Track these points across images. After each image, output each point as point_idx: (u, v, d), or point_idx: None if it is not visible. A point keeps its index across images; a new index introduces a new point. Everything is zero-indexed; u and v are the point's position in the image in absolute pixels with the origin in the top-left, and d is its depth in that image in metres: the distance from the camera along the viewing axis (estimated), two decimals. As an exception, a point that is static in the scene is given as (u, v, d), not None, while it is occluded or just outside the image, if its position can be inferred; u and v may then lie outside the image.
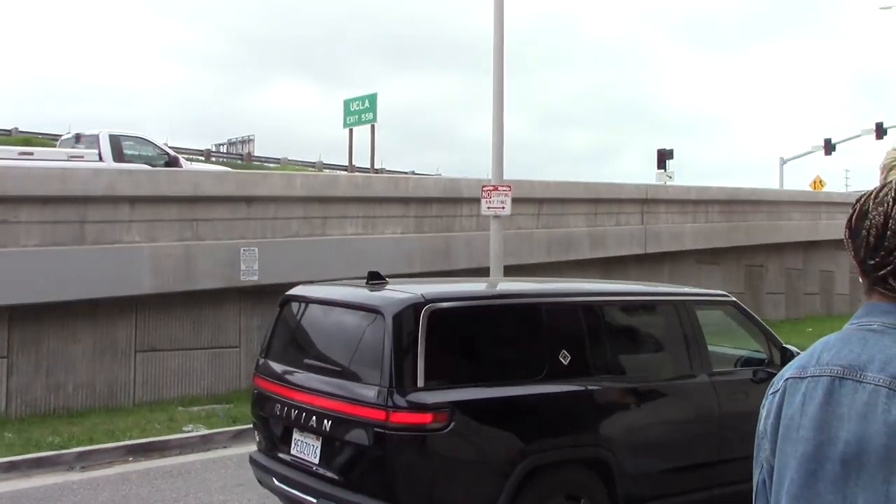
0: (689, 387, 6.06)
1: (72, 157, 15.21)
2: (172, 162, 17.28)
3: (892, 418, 1.44)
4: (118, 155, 16.29)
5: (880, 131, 35.21)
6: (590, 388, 5.43)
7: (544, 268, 16.64)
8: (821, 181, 38.78)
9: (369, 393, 4.84)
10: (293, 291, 6.09)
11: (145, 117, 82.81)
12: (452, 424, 4.77)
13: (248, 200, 12.60)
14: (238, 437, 9.87)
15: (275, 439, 5.66)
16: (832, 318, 26.92)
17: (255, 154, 41.69)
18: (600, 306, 5.92)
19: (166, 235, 11.77)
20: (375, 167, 32.44)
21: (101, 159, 15.90)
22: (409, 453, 4.76)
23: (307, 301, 5.87)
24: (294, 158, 42.96)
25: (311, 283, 6.68)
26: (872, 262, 1.58)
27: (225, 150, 42.80)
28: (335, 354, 5.45)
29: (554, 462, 5.17)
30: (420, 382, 4.82)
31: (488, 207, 13.70)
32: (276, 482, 5.46)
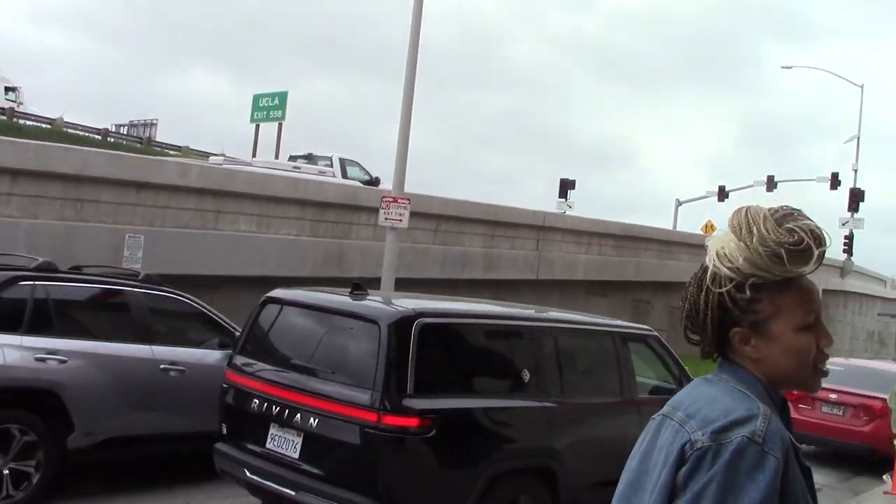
0: (621, 408, 6.74)
1: (320, 172, 19.78)
2: (374, 182, 21.14)
3: (662, 442, 1.72)
4: (343, 172, 21.37)
5: (771, 184, 36.83)
6: (545, 404, 5.99)
7: (437, 284, 16.68)
8: (712, 226, 40.12)
9: (362, 396, 5.19)
10: (275, 294, 6.34)
11: (39, 85, 78.91)
12: (435, 430, 5.21)
13: (139, 186, 12.21)
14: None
15: (247, 433, 5.85)
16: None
17: (158, 139, 40.53)
18: (559, 332, 6.54)
19: (47, 213, 11.28)
20: None
21: (335, 175, 20.60)
22: (396, 454, 5.16)
23: (293, 304, 6.17)
24: (197, 148, 41.94)
25: (290, 287, 6.96)
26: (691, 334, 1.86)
27: (125, 132, 41.46)
28: (324, 357, 5.75)
29: (514, 469, 5.70)
30: (410, 389, 5.22)
31: (386, 219, 13.67)
32: (247, 473, 5.68)
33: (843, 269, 44.62)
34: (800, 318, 1.75)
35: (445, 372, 5.70)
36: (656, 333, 7.73)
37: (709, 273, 1.77)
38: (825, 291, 32.75)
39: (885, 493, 9.87)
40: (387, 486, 5.10)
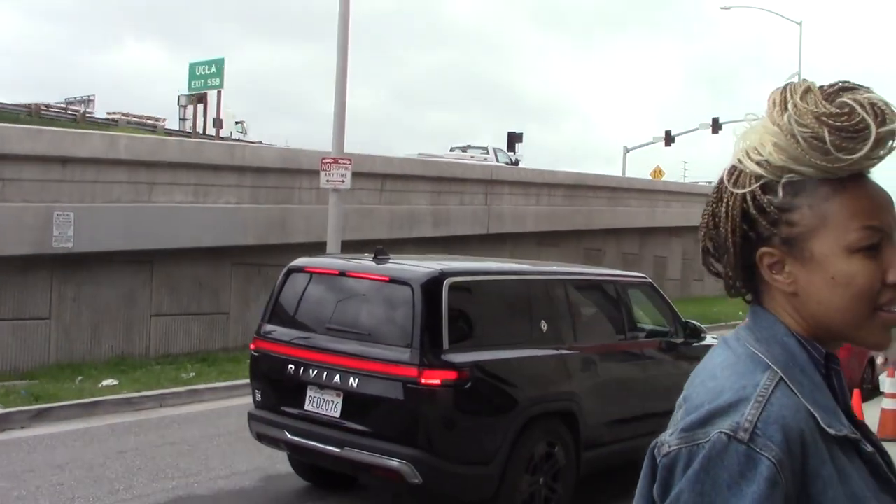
0: (625, 350, 7.25)
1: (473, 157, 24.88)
2: (515, 163, 25.38)
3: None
4: (496, 157, 26.29)
5: (716, 126, 36.97)
6: (562, 351, 6.40)
7: (385, 244, 16.38)
8: (660, 171, 40.38)
9: (402, 354, 5.54)
10: (300, 262, 6.64)
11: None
12: (471, 381, 5.60)
13: (64, 161, 11.65)
14: (40, 416, 9.12)
15: (283, 397, 6.17)
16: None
17: (94, 115, 39.31)
18: (569, 284, 6.90)
19: (-34, 195, 10.71)
20: (221, 135, 31.24)
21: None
22: (437, 406, 5.51)
23: (319, 272, 6.46)
24: (136, 121, 40.85)
25: (314, 255, 7.35)
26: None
27: (65, 108, 40.11)
28: (357, 320, 6.02)
29: (541, 413, 6.04)
30: (445, 345, 5.58)
31: (328, 181, 13.31)
32: (288, 435, 5.99)
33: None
34: (854, 235, 1.21)
35: (474, 327, 6.07)
36: (651, 280, 8.16)
37: (727, 171, 1.29)
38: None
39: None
40: (430, 437, 5.46)
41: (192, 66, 27.60)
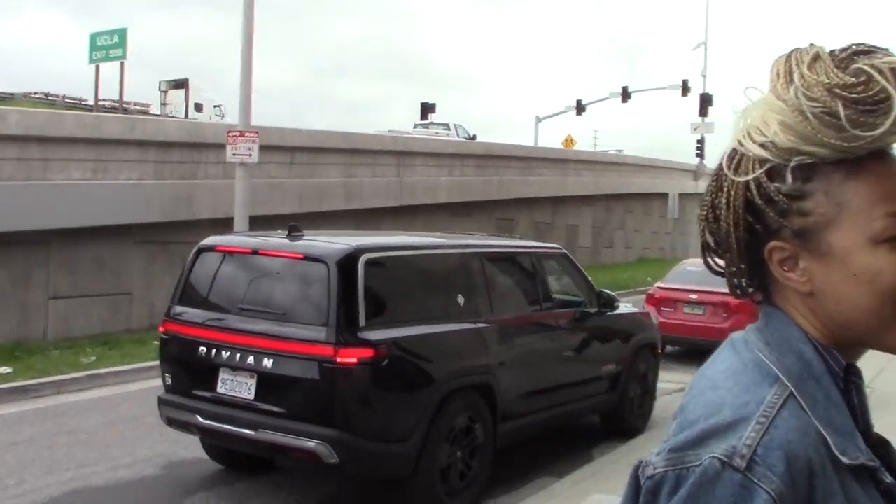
0: (542, 323, 7.25)
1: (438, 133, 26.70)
2: (472, 139, 27.25)
3: None
4: (457, 133, 28.98)
5: (626, 94, 37.49)
6: (478, 325, 6.38)
7: (296, 219, 16.07)
8: (572, 140, 40.83)
9: (317, 332, 5.45)
10: (210, 241, 6.45)
11: None
12: (389, 358, 5.55)
13: (-51, 137, 10.97)
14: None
15: (194, 380, 6.03)
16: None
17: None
18: (485, 257, 6.86)
19: None
20: (125, 107, 30.09)
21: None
22: (353, 384, 5.43)
23: (230, 250, 6.29)
24: (36, 94, 39.01)
25: (223, 232, 7.13)
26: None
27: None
28: (271, 299, 5.91)
29: (460, 388, 6.03)
30: (362, 322, 5.50)
31: (234, 154, 12.92)
32: (200, 419, 5.85)
33: (697, 173, 46.36)
34: (879, 224, 1.04)
35: (391, 303, 5.99)
36: (565, 251, 8.22)
37: (726, 155, 1.12)
38: (680, 195, 33.92)
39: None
40: (347, 416, 5.38)
41: (93, 37, 26.38)
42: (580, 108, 39.09)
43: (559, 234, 27.90)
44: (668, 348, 13.69)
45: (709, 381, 1.08)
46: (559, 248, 8.27)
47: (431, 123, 31.36)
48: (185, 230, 13.52)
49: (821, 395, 1.04)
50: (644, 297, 14.08)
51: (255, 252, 6.21)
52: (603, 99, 39.18)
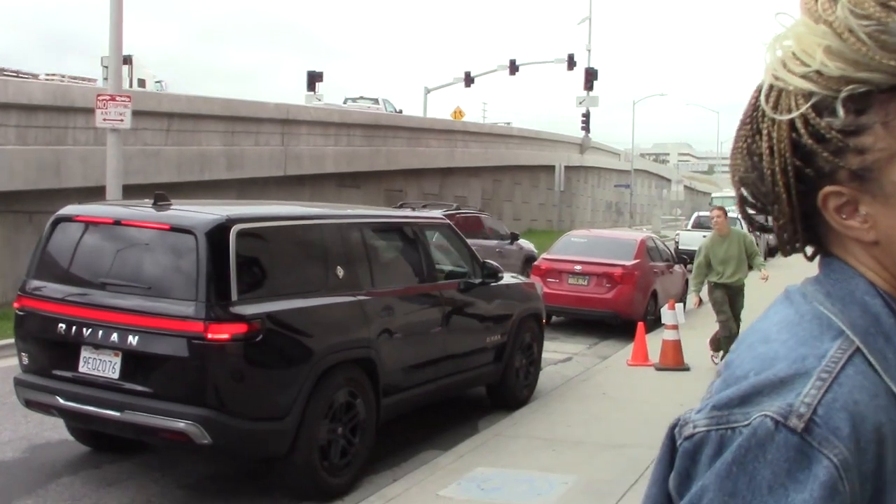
0: (424, 294, 7.11)
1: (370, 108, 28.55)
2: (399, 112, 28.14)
3: None
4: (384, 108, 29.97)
5: (513, 67, 37.68)
6: (359, 297, 6.19)
7: (175, 188, 15.42)
8: (461, 112, 40.80)
9: (185, 308, 5.17)
10: (68, 211, 6.02)
11: None
12: (263, 334, 5.30)
13: None
14: None
15: (54, 360, 5.72)
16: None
17: None
18: (365, 227, 6.69)
19: None
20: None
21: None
22: (225, 361, 5.19)
23: (91, 221, 5.90)
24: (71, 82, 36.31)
25: (83, 203, 6.61)
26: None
27: None
28: (136, 273, 5.59)
29: (339, 362, 5.84)
30: (233, 296, 5.23)
31: (105, 119, 12.23)
32: (61, 400, 5.54)
33: (582, 146, 47.22)
34: None
35: (266, 276, 5.76)
36: (449, 222, 8.14)
37: (762, 93, 0.96)
38: (566, 168, 34.43)
39: (628, 363, 10.35)
40: (219, 395, 5.17)
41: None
42: (469, 79, 39.05)
43: (447, 205, 27.94)
44: (554, 318, 13.85)
45: (760, 335, 0.93)
46: (443, 219, 8.19)
47: (362, 97, 33.82)
48: (55, 199, 12.71)
49: (891, 354, 0.89)
50: (531, 268, 14.17)
51: (117, 222, 5.84)
52: (491, 71, 39.27)
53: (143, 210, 5.92)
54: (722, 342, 9.78)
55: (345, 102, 33.37)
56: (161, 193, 5.91)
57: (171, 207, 5.78)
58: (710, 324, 10.55)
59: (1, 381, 8.15)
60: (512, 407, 8.12)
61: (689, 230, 26.89)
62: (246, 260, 5.48)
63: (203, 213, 5.70)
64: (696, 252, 10.16)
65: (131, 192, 12.31)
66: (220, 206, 6.62)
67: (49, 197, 12.93)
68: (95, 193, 12.24)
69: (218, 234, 5.33)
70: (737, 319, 9.89)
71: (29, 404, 5.91)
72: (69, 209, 6.11)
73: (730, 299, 9.86)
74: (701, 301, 10.22)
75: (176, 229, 5.46)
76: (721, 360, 9.41)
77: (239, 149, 17.26)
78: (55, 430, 6.63)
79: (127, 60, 34.60)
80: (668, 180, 75.67)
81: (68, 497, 5.70)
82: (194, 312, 5.15)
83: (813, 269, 1.03)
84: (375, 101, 34.60)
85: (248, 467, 6.25)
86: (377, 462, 6.47)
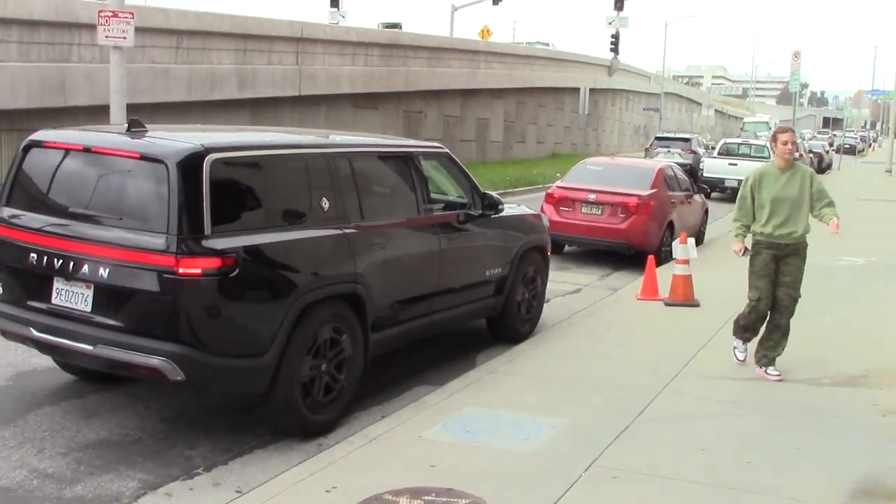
0: (419, 226, 6.84)
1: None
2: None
3: None
4: None
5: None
6: (345, 230, 5.96)
7: (186, 108, 15.14)
8: (488, 30, 39.75)
9: (157, 240, 5.00)
10: (39, 136, 5.85)
11: None
12: (239, 268, 5.11)
13: None
14: None
15: (27, 290, 5.59)
16: (486, 164, 28.12)
17: None
18: (354, 157, 6.39)
19: None
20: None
21: None
22: (198, 297, 5.02)
23: (63, 147, 5.68)
24: None
25: (57, 128, 6.30)
26: None
27: None
28: (109, 203, 5.38)
29: (322, 298, 5.66)
30: (207, 230, 5.04)
31: (107, 37, 11.88)
32: (34, 332, 5.45)
33: (611, 68, 46.04)
34: None
35: (243, 208, 5.51)
36: (447, 150, 7.74)
37: None
38: (593, 91, 33.57)
39: (637, 297, 10.06)
40: (193, 331, 5.04)
41: None
42: (496, -4, 37.95)
43: (469, 127, 27.39)
44: (567, 248, 13.55)
45: None
46: (440, 148, 7.77)
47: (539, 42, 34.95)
48: (59, 117, 12.57)
49: None
50: (544, 195, 13.82)
51: (87, 150, 5.58)
52: (519, -12, 38.10)
53: (115, 137, 5.66)
54: (745, 327, 7.10)
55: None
56: (135, 119, 5.65)
57: (146, 135, 5.51)
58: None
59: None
60: (513, 341, 7.91)
61: (715, 157, 26.23)
62: (222, 191, 5.22)
63: (177, 141, 5.42)
64: (742, 182, 7.16)
65: (141, 110, 12.04)
66: (197, 132, 6.34)
67: (54, 115, 12.73)
68: (103, 112, 12.02)
69: (191, 163, 5.08)
70: (791, 297, 6.88)
71: (5, 334, 5.78)
72: (40, 134, 5.89)
73: (779, 267, 6.85)
74: (746, 249, 6.96)
75: (147, 158, 5.20)
76: (744, 352, 7.28)
77: (251, 67, 16.87)
78: (43, 356, 6.53)
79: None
80: (699, 104, 74.05)
81: (47, 428, 5.60)
82: (165, 246, 4.97)
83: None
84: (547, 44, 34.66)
85: (236, 401, 6.12)
86: (366, 398, 6.32)
